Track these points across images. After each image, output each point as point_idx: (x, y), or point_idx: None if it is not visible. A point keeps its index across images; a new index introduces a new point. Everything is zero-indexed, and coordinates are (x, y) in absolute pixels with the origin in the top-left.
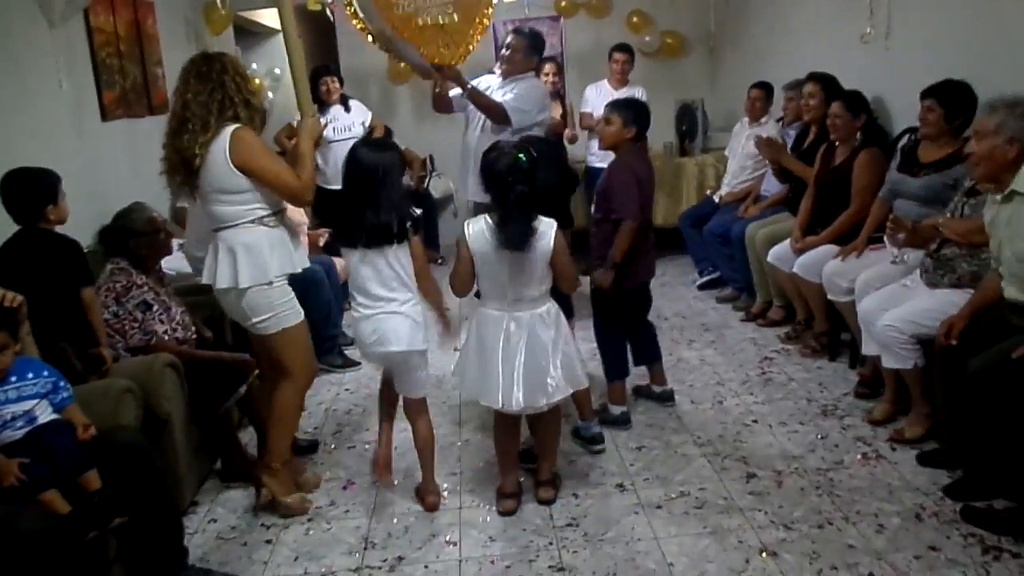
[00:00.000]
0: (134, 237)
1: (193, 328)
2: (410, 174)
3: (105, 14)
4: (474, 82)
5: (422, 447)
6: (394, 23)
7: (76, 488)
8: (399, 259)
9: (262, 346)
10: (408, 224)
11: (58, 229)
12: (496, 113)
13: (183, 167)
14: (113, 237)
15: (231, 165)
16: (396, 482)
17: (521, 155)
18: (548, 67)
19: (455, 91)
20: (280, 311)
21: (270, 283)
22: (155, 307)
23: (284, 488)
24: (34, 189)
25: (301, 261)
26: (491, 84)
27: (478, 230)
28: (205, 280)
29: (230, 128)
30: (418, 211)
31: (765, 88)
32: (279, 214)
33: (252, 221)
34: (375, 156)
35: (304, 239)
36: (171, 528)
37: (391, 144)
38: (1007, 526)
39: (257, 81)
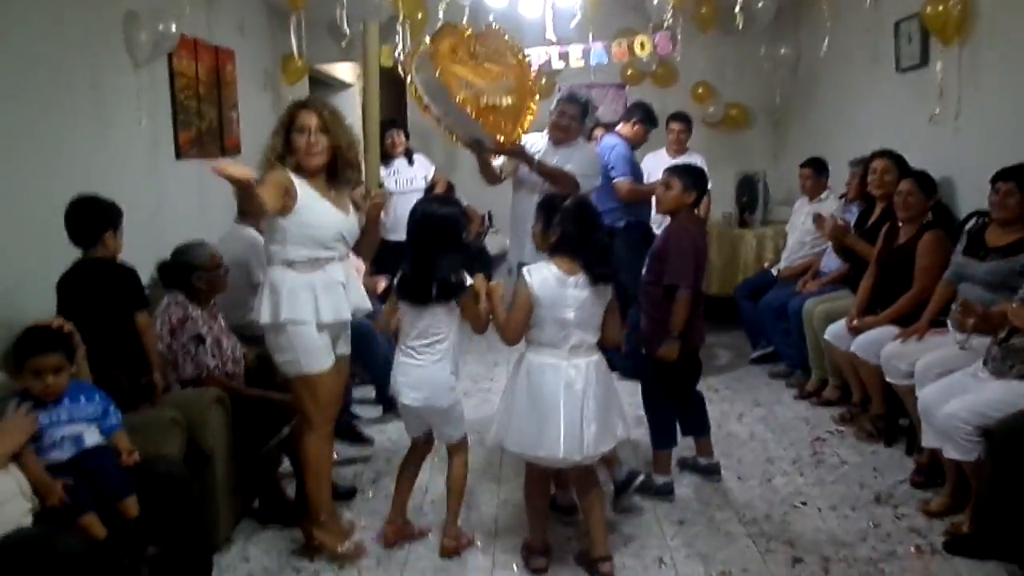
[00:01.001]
0: (195, 271)
1: (243, 364)
2: (469, 229)
3: (188, 59)
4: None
5: (452, 484)
6: (463, 99)
7: (114, 513)
8: (445, 315)
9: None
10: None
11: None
12: (566, 183)
13: None
14: (173, 271)
15: None
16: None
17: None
18: (599, 131)
19: (498, 161)
20: (299, 356)
21: (283, 324)
22: (208, 341)
23: (335, 539)
24: (97, 214)
25: (330, 313)
26: (539, 146)
27: (543, 276)
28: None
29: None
30: (468, 276)
31: (814, 166)
32: (315, 261)
33: (280, 263)
34: (442, 211)
35: (359, 286)
36: (202, 562)
37: (454, 200)
38: None
39: None
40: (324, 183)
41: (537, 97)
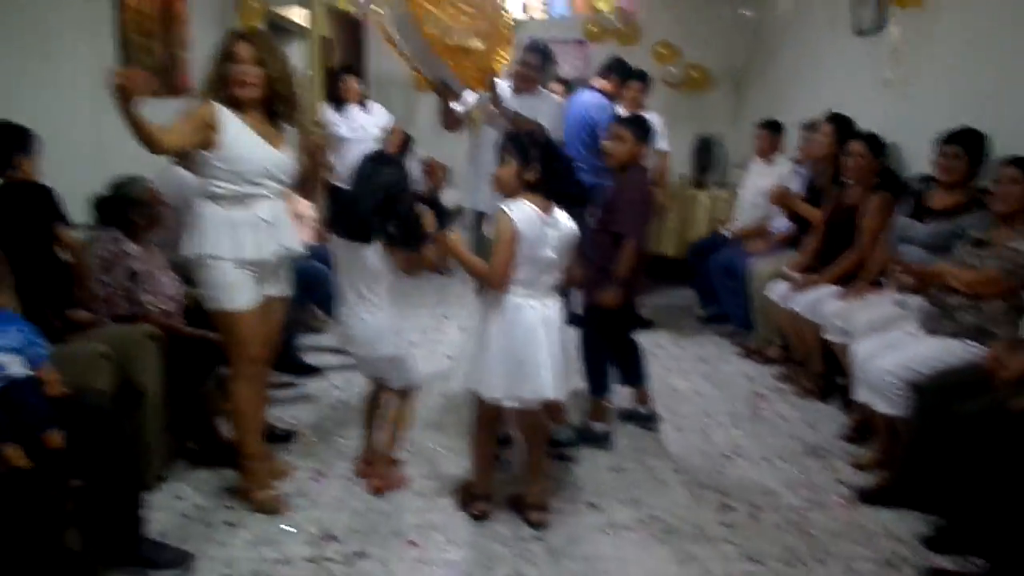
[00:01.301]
0: (134, 206)
1: (183, 303)
2: (428, 181)
3: None
4: (476, 99)
5: (399, 415)
6: (430, 35)
7: (38, 445)
8: (382, 259)
9: None
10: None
11: None
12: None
13: None
14: (110, 206)
15: None
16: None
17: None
18: (556, 86)
19: (461, 108)
20: (215, 291)
21: (203, 258)
22: (143, 277)
23: (256, 483)
24: (7, 138)
25: (255, 251)
26: (504, 93)
27: (525, 213)
28: None
29: None
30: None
31: (770, 127)
32: (243, 198)
33: (206, 196)
34: (391, 172)
35: (300, 230)
36: (131, 498)
37: (398, 161)
38: None
39: None
40: (260, 117)
41: (510, 47)
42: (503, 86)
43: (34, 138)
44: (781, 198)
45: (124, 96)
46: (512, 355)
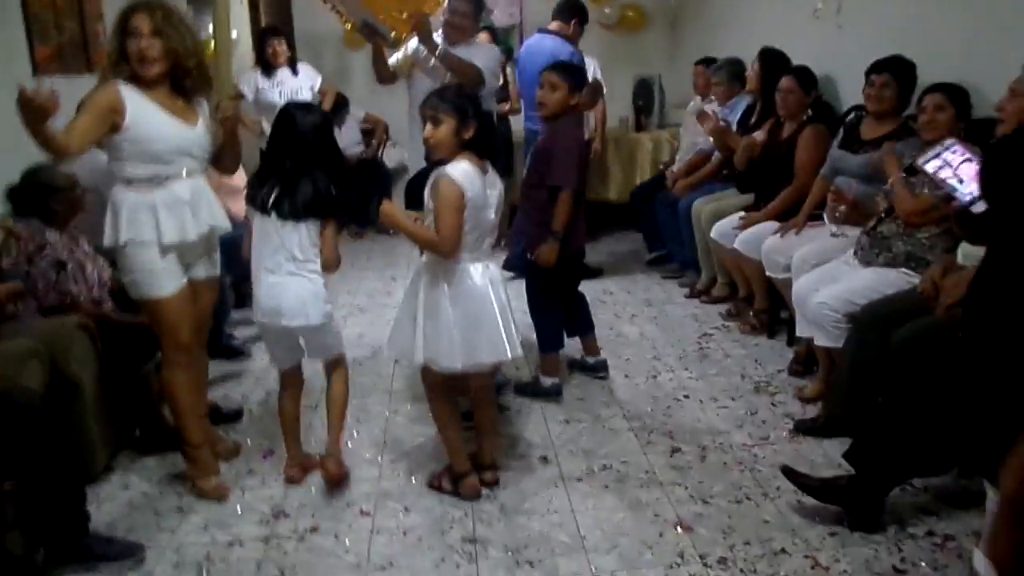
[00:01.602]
0: (52, 194)
1: (112, 286)
2: (367, 140)
3: None
4: (412, 43)
5: (333, 404)
6: None
7: None
8: (316, 233)
9: None
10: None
11: None
12: (471, 75)
13: None
14: (26, 195)
15: None
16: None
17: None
18: (484, 36)
19: (393, 58)
20: (137, 279)
21: (124, 245)
22: (69, 266)
23: (200, 471)
24: None
25: (184, 231)
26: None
27: (468, 174)
28: None
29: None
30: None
31: (707, 63)
32: (158, 179)
33: (121, 182)
34: (310, 119)
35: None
36: (72, 494)
37: (317, 108)
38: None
39: (213, 46)
40: (167, 93)
41: None
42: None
43: None
44: (718, 132)
45: (37, 119)
46: (468, 322)
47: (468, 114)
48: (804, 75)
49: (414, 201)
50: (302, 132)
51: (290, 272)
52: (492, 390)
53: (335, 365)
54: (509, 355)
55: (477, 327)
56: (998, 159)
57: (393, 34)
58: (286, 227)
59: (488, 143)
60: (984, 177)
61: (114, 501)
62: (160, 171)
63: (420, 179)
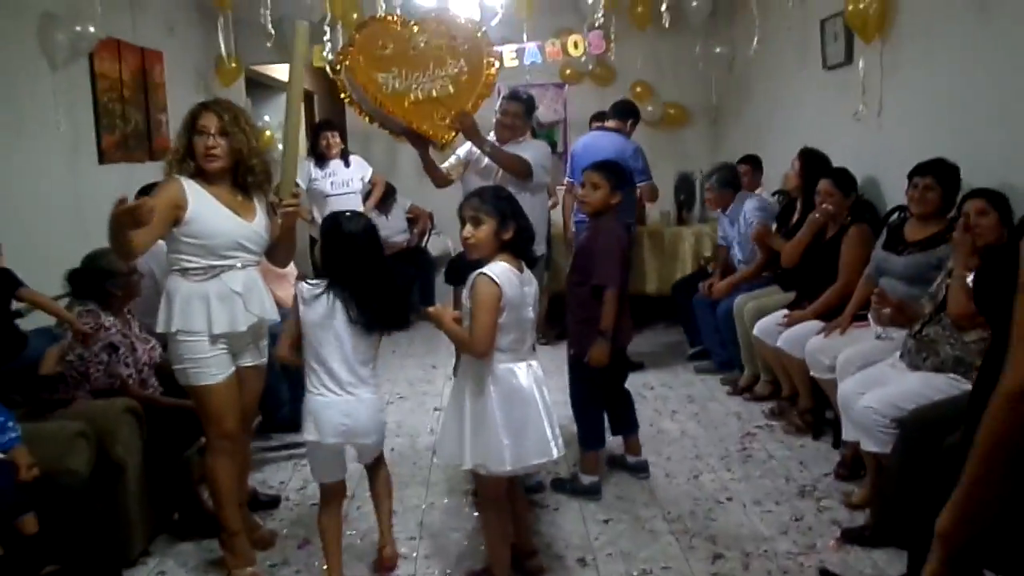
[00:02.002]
0: (111, 278)
1: (155, 367)
2: (413, 229)
3: (110, 60)
4: (466, 145)
5: (382, 489)
6: (383, 102)
7: (12, 531)
8: (375, 343)
9: None
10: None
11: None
12: (518, 168)
13: None
14: (84, 279)
15: None
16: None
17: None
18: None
19: (448, 162)
20: (186, 367)
21: (175, 334)
22: (121, 350)
23: (237, 559)
24: None
25: (223, 324)
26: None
27: (507, 276)
28: None
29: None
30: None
31: (751, 162)
32: (213, 270)
33: (176, 271)
34: (356, 225)
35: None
36: None
37: (360, 214)
38: None
39: (268, 133)
40: (229, 188)
41: (491, 77)
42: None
43: None
44: (761, 236)
45: (130, 226)
46: (516, 425)
47: (507, 215)
48: (842, 177)
49: (455, 277)
50: (353, 237)
51: (360, 386)
52: (520, 481)
53: (377, 460)
54: (555, 455)
55: (524, 429)
56: (990, 268)
57: (440, 141)
58: (356, 337)
59: (525, 244)
60: (976, 286)
61: None
62: (216, 263)
63: (461, 257)
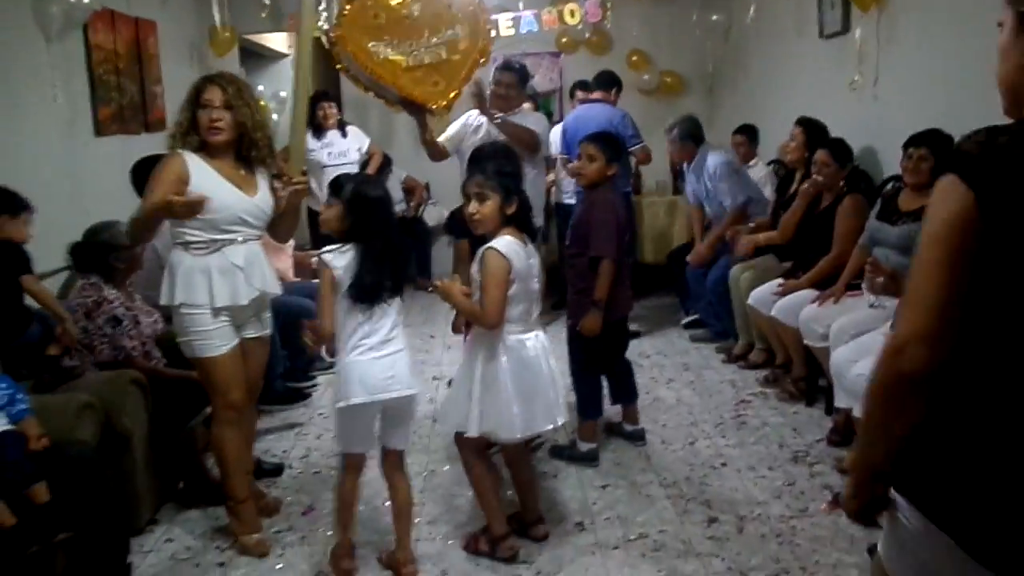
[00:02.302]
0: (113, 251)
1: (157, 339)
2: (409, 200)
3: (105, 31)
4: (461, 119)
5: (401, 508)
6: (374, 70)
7: (24, 500)
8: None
9: None
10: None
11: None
12: (528, 140)
13: None
14: (87, 252)
15: None
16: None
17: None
18: (527, 105)
19: (444, 135)
20: (191, 339)
21: (178, 307)
22: (125, 322)
23: (243, 527)
24: None
25: (226, 297)
26: (482, 120)
27: (513, 248)
28: None
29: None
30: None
31: (747, 132)
32: (216, 243)
33: (179, 244)
34: (379, 188)
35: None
36: (118, 545)
37: (380, 181)
38: None
39: (263, 103)
40: (232, 162)
41: (487, 46)
42: (474, 115)
43: (10, 200)
44: (749, 248)
45: (185, 216)
46: (526, 393)
47: (511, 190)
48: (838, 148)
49: (456, 228)
50: (379, 203)
51: (396, 341)
52: (522, 447)
53: (400, 463)
54: (560, 421)
55: (534, 397)
56: None
57: (435, 107)
58: (392, 304)
59: (527, 217)
60: None
61: (158, 553)
62: (217, 237)
63: (460, 209)
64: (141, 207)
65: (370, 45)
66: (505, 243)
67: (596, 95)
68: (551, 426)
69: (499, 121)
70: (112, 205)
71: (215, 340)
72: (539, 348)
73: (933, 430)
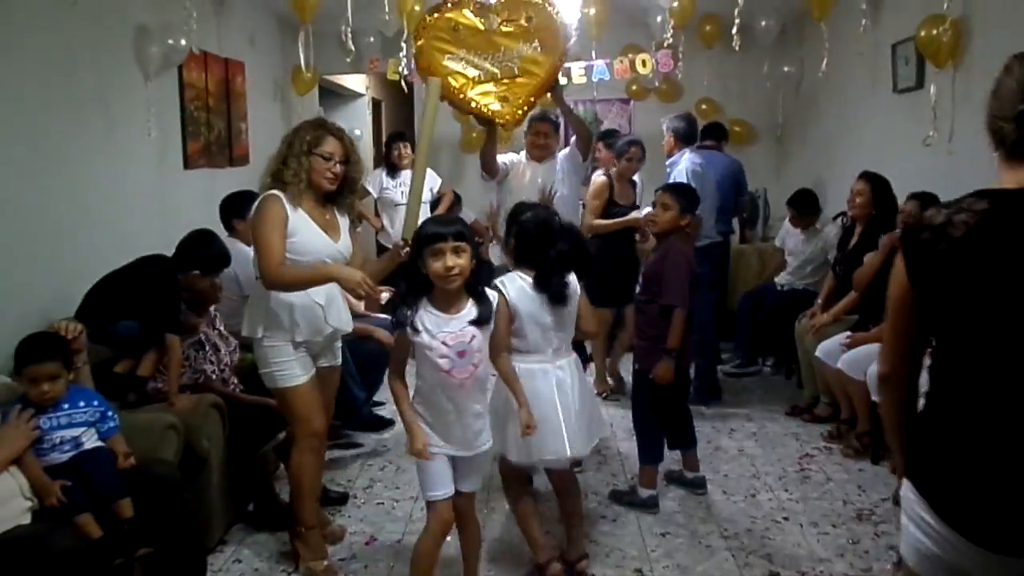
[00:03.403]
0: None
1: (236, 368)
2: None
3: (198, 71)
4: (502, 158)
5: (472, 549)
6: (447, 84)
7: (110, 514)
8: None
9: None
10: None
11: None
12: (585, 133)
13: None
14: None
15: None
16: None
17: (556, 215)
18: (634, 150)
19: (504, 158)
20: (273, 370)
21: (260, 339)
22: (206, 348)
23: (312, 553)
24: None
25: (306, 332)
26: (521, 161)
27: (517, 286)
28: None
29: (267, 192)
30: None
31: (796, 205)
32: None
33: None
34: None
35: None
36: (195, 564)
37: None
38: None
39: None
40: (320, 206)
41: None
42: (517, 157)
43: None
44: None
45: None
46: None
47: (509, 233)
48: (927, 201)
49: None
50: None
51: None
52: (572, 479)
53: (470, 505)
54: (568, 455)
55: (541, 423)
56: None
57: (502, 124)
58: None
59: (532, 259)
60: None
61: (226, 573)
62: None
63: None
64: (311, 271)
65: (446, 58)
66: (509, 278)
67: (708, 143)
68: (556, 458)
69: (565, 109)
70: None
71: (295, 370)
72: (554, 381)
73: (926, 428)
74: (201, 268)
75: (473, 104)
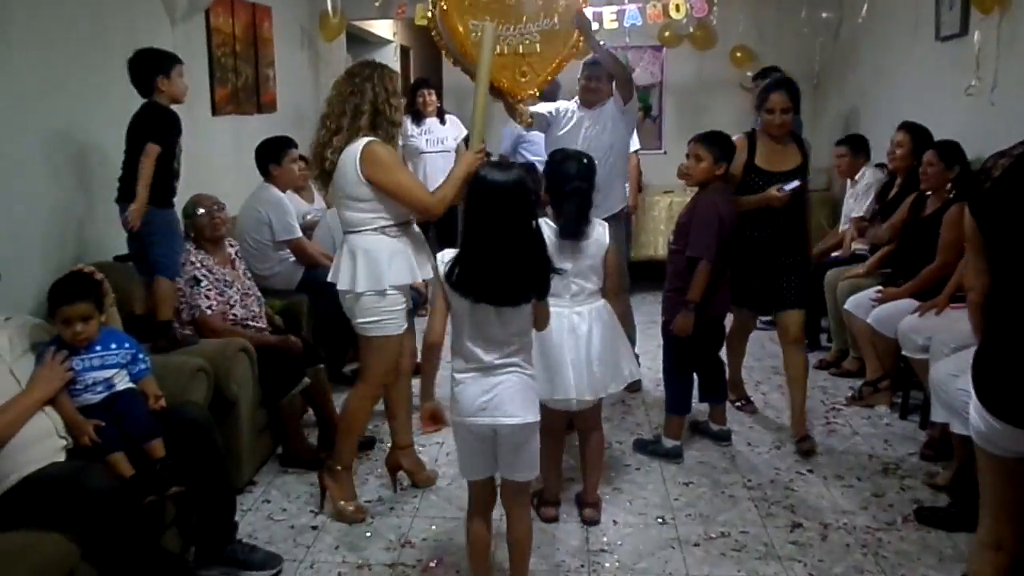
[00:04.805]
0: (187, 219)
1: (263, 314)
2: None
3: (225, 15)
4: (549, 107)
5: (519, 543)
6: (468, 51)
7: (141, 454)
8: (524, 314)
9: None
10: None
11: None
12: (623, 74)
13: (318, 164)
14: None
15: (360, 176)
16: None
17: (584, 159)
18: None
19: (550, 106)
20: (385, 319)
21: (383, 291)
22: (203, 283)
23: (343, 492)
24: (146, 62)
25: (423, 272)
26: (570, 108)
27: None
28: (330, 278)
29: (363, 141)
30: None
31: (851, 143)
32: (404, 225)
33: (375, 229)
34: (506, 179)
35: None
36: (225, 503)
37: (515, 165)
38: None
39: None
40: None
41: (579, 40)
42: (570, 104)
43: (172, 62)
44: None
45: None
46: (544, 362)
47: (534, 182)
48: (947, 149)
49: None
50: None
51: (514, 364)
52: (595, 426)
53: (516, 495)
54: (574, 398)
55: (552, 366)
56: None
57: (520, 98)
58: (504, 312)
59: (555, 206)
60: None
61: (255, 512)
62: (408, 216)
63: None
64: (451, 181)
65: (469, 23)
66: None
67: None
68: (563, 397)
69: (600, 49)
70: (225, 179)
71: (401, 320)
72: (567, 324)
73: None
74: (154, 139)
75: (492, 78)
